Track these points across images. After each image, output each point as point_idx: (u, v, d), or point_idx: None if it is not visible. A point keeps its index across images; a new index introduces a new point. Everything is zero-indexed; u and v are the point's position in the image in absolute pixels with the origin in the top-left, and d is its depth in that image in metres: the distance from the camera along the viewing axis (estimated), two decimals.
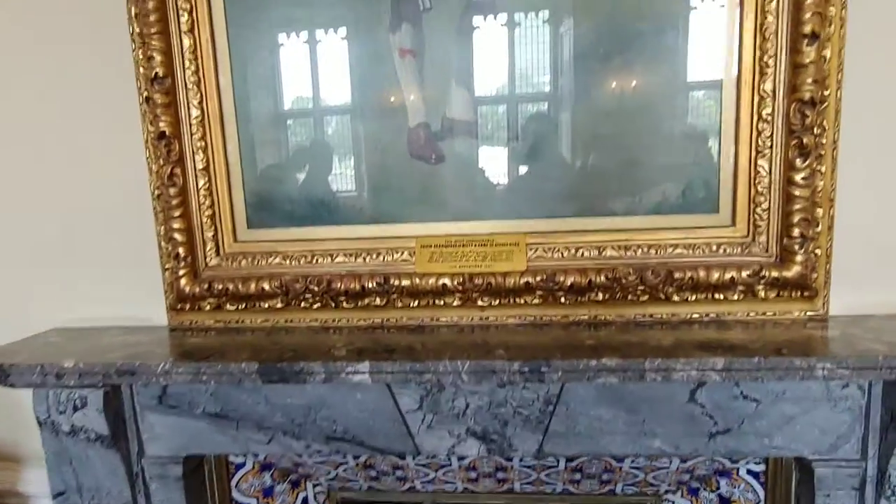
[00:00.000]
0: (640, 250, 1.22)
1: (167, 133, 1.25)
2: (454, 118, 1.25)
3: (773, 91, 1.11)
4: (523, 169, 1.28)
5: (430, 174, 1.27)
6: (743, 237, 1.20)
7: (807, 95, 1.08)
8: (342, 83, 1.28)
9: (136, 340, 1.27)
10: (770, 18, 1.09)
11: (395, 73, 1.23)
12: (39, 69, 1.32)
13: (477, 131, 1.26)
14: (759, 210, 1.17)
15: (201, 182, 1.29)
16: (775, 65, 1.10)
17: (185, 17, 1.23)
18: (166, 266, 1.33)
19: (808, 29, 1.05)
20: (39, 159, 1.36)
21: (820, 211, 1.15)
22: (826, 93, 1.08)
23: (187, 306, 1.33)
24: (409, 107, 1.24)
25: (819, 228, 1.15)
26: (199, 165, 1.28)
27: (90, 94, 1.31)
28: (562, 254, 1.24)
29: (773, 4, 1.08)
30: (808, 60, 1.06)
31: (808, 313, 1.19)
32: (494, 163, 1.29)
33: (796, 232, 1.15)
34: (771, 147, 1.13)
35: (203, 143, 1.27)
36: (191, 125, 1.27)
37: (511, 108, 1.27)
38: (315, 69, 1.30)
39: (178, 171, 1.27)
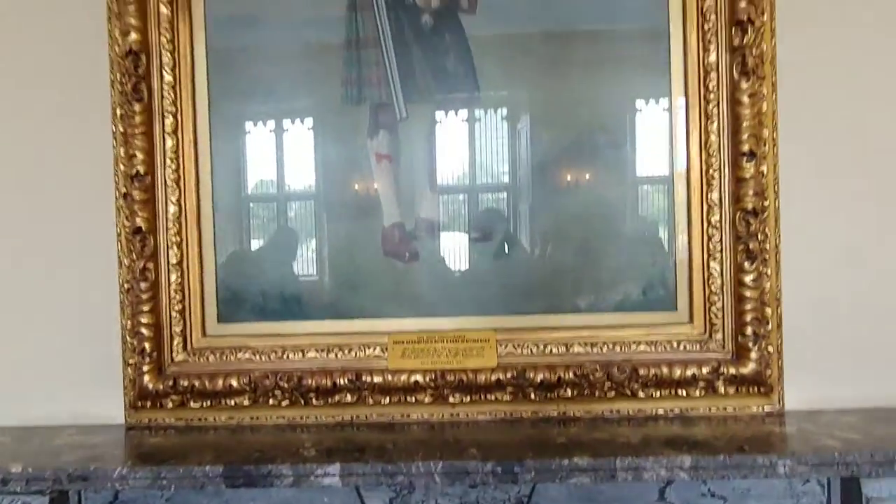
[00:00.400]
0: (605, 347, 1.27)
1: (143, 228, 1.26)
2: (427, 218, 1.31)
3: (720, 200, 1.22)
4: (491, 264, 1.34)
5: (403, 271, 1.32)
6: (700, 334, 1.26)
7: (749, 206, 1.19)
8: (316, 182, 1.34)
9: (91, 441, 1.21)
10: (713, 138, 1.22)
11: (371, 176, 1.30)
12: (16, 160, 1.34)
13: (447, 230, 1.33)
14: (713, 309, 1.25)
15: (173, 276, 1.29)
16: (720, 177, 1.22)
17: (169, 120, 1.28)
18: (129, 361, 1.29)
19: (745, 148, 1.18)
20: (3, 247, 1.35)
21: (769, 310, 1.23)
22: (766, 203, 1.20)
23: (148, 403, 1.29)
24: (385, 207, 1.30)
25: (770, 327, 1.23)
26: (173, 260, 1.29)
27: (65, 187, 1.33)
28: (531, 350, 1.27)
29: (715, 125, 1.22)
30: (748, 175, 1.18)
31: (766, 408, 1.24)
32: (464, 259, 1.34)
33: (749, 330, 1.22)
34: (721, 251, 1.23)
35: (178, 238, 1.29)
36: (167, 220, 1.29)
37: (473, 203, 1.35)
38: (281, 164, 1.36)
39: (150, 265, 1.27)
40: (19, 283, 1.34)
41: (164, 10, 1.27)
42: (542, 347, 1.27)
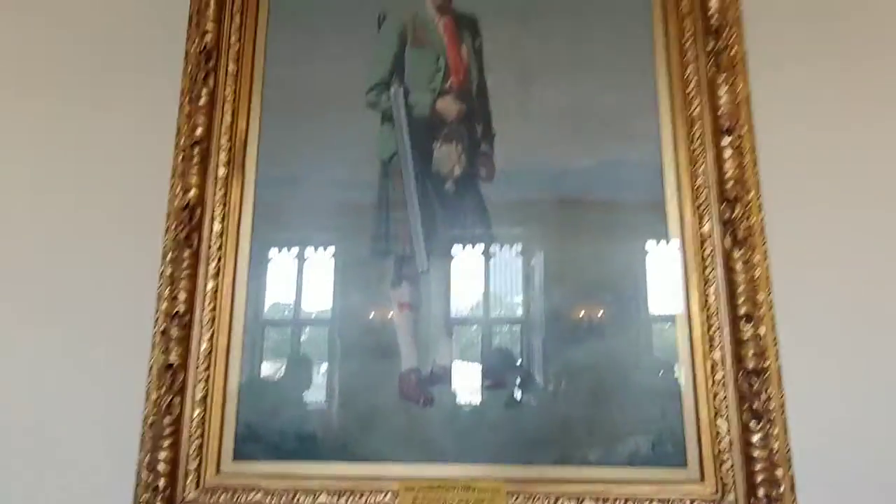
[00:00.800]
0: (617, 502, 1.26)
1: (174, 364, 1.34)
2: (442, 364, 1.38)
3: (722, 359, 1.28)
4: (503, 411, 1.37)
5: (417, 416, 1.35)
6: (713, 494, 1.25)
7: (750, 365, 1.24)
8: (339, 327, 1.43)
9: None
10: (712, 300, 1.31)
11: (393, 323, 1.40)
12: (67, 287, 1.46)
13: (462, 374, 1.38)
14: (724, 468, 1.25)
15: (196, 412, 1.34)
16: (720, 338, 1.29)
17: (213, 264, 1.41)
18: (140, 499, 1.30)
19: (742, 311, 1.27)
20: (25, 382, 1.42)
21: (780, 471, 1.23)
22: (767, 364, 1.25)
23: None
24: (403, 353, 1.38)
25: (782, 489, 1.22)
26: (198, 395, 1.35)
27: (106, 319, 1.43)
28: (542, 502, 1.26)
29: (713, 289, 1.31)
30: (746, 337, 1.26)
31: None
32: (477, 406, 1.38)
33: (762, 492, 1.21)
34: (727, 409, 1.26)
35: (206, 374, 1.36)
36: (199, 357, 1.37)
37: (488, 352, 1.41)
38: (298, 308, 1.46)
39: (177, 400, 1.32)
40: (45, 408, 1.40)
41: (221, 170, 1.46)
42: (553, 500, 1.26)
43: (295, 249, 1.48)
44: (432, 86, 1.52)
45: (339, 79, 1.54)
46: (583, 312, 1.40)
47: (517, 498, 1.26)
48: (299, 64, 1.56)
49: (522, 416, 1.36)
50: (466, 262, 1.43)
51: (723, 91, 1.38)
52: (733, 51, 1.41)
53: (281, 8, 1.60)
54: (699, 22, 1.44)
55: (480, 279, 1.44)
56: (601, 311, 1.38)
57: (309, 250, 1.47)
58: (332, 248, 1.47)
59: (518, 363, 1.40)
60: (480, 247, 1.44)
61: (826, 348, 1.32)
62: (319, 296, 1.46)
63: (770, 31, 1.48)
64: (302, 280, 1.47)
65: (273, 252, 1.48)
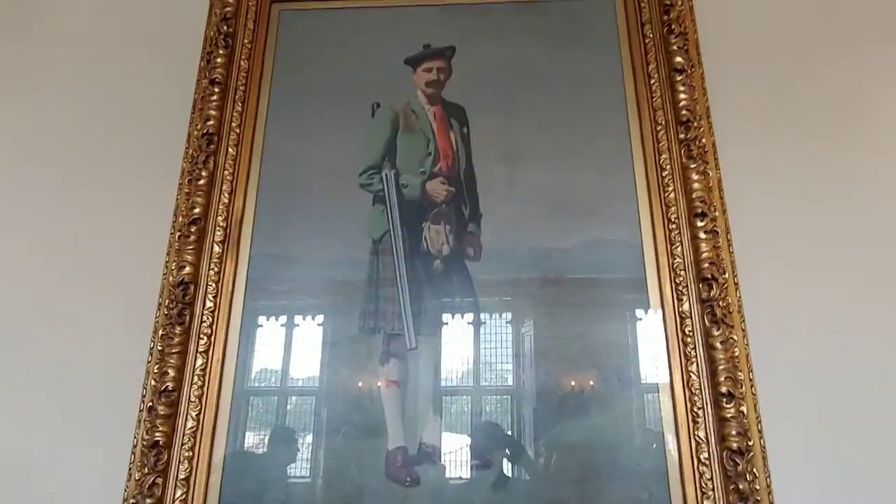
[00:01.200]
0: None
1: (160, 442, 1.33)
2: (431, 443, 1.37)
3: (706, 438, 1.29)
4: (491, 493, 1.35)
5: (403, 496, 1.33)
6: None
7: (734, 445, 1.25)
8: (327, 404, 1.43)
9: None
10: (694, 378, 1.33)
11: (380, 401, 1.40)
12: (54, 364, 1.46)
13: (449, 453, 1.37)
14: None
15: (178, 493, 1.32)
16: (704, 416, 1.30)
17: (203, 340, 1.43)
18: None
19: (724, 389, 1.29)
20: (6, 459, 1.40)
21: None
22: (750, 443, 1.26)
23: None
24: (390, 431, 1.37)
25: None
26: (181, 475, 1.32)
27: (93, 397, 1.43)
28: None
29: (695, 367, 1.34)
30: (729, 415, 1.27)
31: None
32: (465, 486, 1.36)
33: None
34: (713, 489, 1.26)
35: (190, 454, 1.34)
36: (183, 435, 1.36)
37: (477, 427, 1.41)
38: (285, 384, 1.46)
39: (159, 481, 1.30)
40: (26, 486, 1.36)
41: (216, 248, 1.50)
42: None
43: (284, 322, 1.50)
44: (422, 169, 1.60)
45: (333, 162, 1.62)
46: (573, 383, 1.42)
47: None
48: (296, 147, 1.64)
49: (511, 498, 1.34)
50: (454, 339, 1.46)
51: (695, 177, 1.47)
52: (702, 140, 1.51)
53: (281, 96, 1.70)
54: (670, 114, 1.56)
55: (468, 357, 1.46)
56: (589, 385, 1.40)
57: (298, 324, 1.50)
58: (321, 323, 1.50)
59: (507, 436, 1.40)
60: (468, 325, 1.47)
61: (810, 426, 1.33)
62: (307, 369, 1.48)
63: (737, 121, 1.60)
64: (290, 354, 1.49)
65: (263, 322, 1.50)
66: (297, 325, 1.50)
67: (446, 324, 1.47)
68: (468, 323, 1.48)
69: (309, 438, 1.42)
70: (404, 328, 1.44)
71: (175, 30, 1.82)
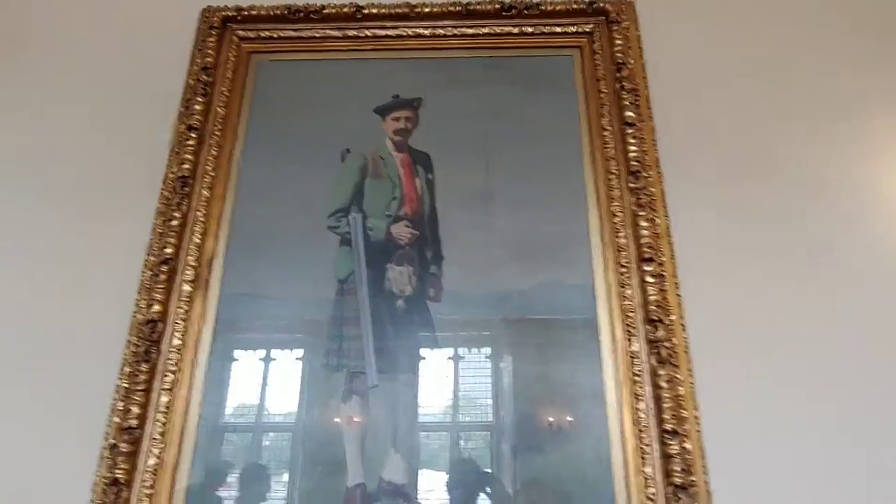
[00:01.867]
0: None
1: (120, 480, 1.34)
2: (391, 481, 1.40)
3: (654, 474, 1.34)
4: None
5: None
6: None
7: (678, 481, 1.30)
8: (292, 451, 1.46)
9: None
10: (642, 416, 1.39)
11: (341, 438, 1.43)
12: (16, 402, 1.47)
13: (413, 494, 1.40)
14: None
15: None
16: (652, 452, 1.36)
17: (169, 378, 1.46)
18: None
19: (669, 427, 1.35)
20: None
21: None
22: (693, 479, 1.31)
23: None
24: (350, 468, 1.40)
25: None
26: None
27: (55, 432, 1.44)
28: None
29: (643, 405, 1.40)
30: (674, 452, 1.32)
31: None
32: None
33: None
34: None
35: (151, 492, 1.35)
36: (144, 472, 1.37)
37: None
38: (259, 432, 1.49)
39: None
40: None
41: (186, 288, 1.55)
42: None
43: (255, 361, 1.54)
44: (388, 212, 1.67)
45: (302, 205, 1.69)
46: (550, 420, 1.46)
47: None
48: (267, 191, 1.71)
49: None
50: (415, 377, 1.51)
51: (644, 224, 1.56)
52: (652, 189, 1.61)
53: (256, 142, 1.78)
54: (622, 164, 1.66)
55: (433, 393, 1.50)
56: (566, 423, 1.45)
57: (270, 362, 1.54)
58: (288, 362, 1.54)
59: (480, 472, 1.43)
60: (431, 363, 1.53)
61: (755, 463, 1.39)
62: (281, 405, 1.51)
63: (685, 171, 1.70)
64: (264, 390, 1.52)
65: (234, 360, 1.54)
66: (272, 367, 1.54)
67: (403, 373, 1.52)
68: (431, 361, 1.53)
69: (283, 475, 1.45)
70: (367, 366, 1.48)
71: (158, 74, 1.90)
